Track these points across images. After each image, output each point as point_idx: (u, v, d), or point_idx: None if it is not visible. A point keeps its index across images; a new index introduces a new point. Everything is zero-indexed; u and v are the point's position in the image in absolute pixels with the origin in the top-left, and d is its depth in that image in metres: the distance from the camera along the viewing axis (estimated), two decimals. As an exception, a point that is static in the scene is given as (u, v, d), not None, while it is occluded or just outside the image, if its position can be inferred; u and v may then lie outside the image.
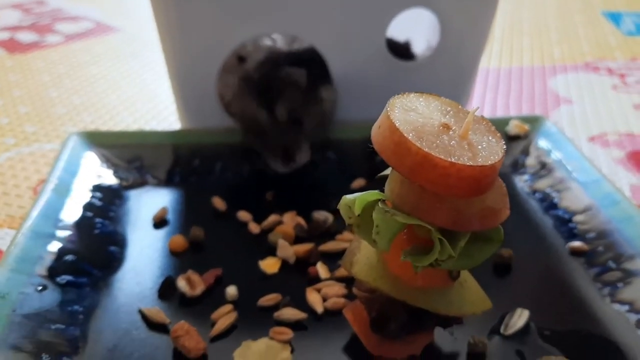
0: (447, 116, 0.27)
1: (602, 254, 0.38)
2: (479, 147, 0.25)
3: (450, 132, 0.26)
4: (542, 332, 0.33)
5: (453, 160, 0.24)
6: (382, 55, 0.50)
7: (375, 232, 0.26)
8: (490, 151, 0.25)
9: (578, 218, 0.42)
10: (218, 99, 0.48)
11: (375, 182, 0.47)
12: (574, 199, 0.43)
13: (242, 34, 0.47)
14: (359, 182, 0.47)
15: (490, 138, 0.26)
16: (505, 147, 0.26)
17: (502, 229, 0.27)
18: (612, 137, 0.60)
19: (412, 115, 0.26)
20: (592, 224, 0.40)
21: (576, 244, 0.39)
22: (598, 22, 0.96)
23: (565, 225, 0.42)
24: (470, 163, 0.24)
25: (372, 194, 0.26)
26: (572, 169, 0.46)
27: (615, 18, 0.97)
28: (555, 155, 0.48)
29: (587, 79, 0.74)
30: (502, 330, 0.33)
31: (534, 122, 0.52)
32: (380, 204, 0.26)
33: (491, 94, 0.69)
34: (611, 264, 0.37)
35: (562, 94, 0.69)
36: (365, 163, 0.49)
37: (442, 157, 0.24)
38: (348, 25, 0.48)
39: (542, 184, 0.46)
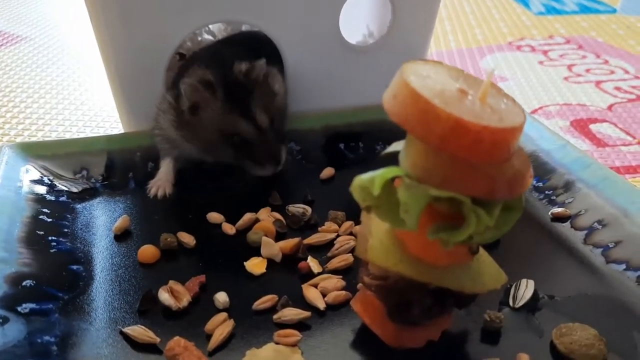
0: (459, 81, 0.25)
1: (585, 216, 0.38)
2: (499, 109, 0.24)
3: (469, 97, 0.24)
4: (550, 300, 0.33)
5: (484, 123, 0.22)
6: (335, 40, 0.48)
7: (403, 210, 0.24)
8: (512, 112, 0.24)
9: (552, 184, 0.42)
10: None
11: (345, 170, 0.46)
12: (543, 166, 0.43)
13: (188, 27, 0.44)
14: (328, 171, 0.45)
15: (505, 100, 0.25)
16: (523, 107, 0.25)
17: (523, 195, 0.26)
18: (553, 108, 0.61)
19: (429, 81, 0.24)
20: (569, 189, 0.41)
21: (557, 210, 0.39)
22: (509, 4, 0.99)
23: (542, 192, 0.42)
24: (500, 125, 0.23)
25: (392, 171, 0.24)
26: (534, 137, 0.46)
27: (523, 0, 1.01)
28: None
29: (514, 57, 0.76)
30: (511, 304, 0.32)
31: (487, 97, 0.51)
32: (406, 180, 0.24)
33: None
34: (596, 226, 0.37)
35: (496, 72, 0.71)
36: (328, 151, 0.48)
37: (473, 121, 0.22)
38: (299, 10, 0.46)
39: (509, 156, 0.46)
